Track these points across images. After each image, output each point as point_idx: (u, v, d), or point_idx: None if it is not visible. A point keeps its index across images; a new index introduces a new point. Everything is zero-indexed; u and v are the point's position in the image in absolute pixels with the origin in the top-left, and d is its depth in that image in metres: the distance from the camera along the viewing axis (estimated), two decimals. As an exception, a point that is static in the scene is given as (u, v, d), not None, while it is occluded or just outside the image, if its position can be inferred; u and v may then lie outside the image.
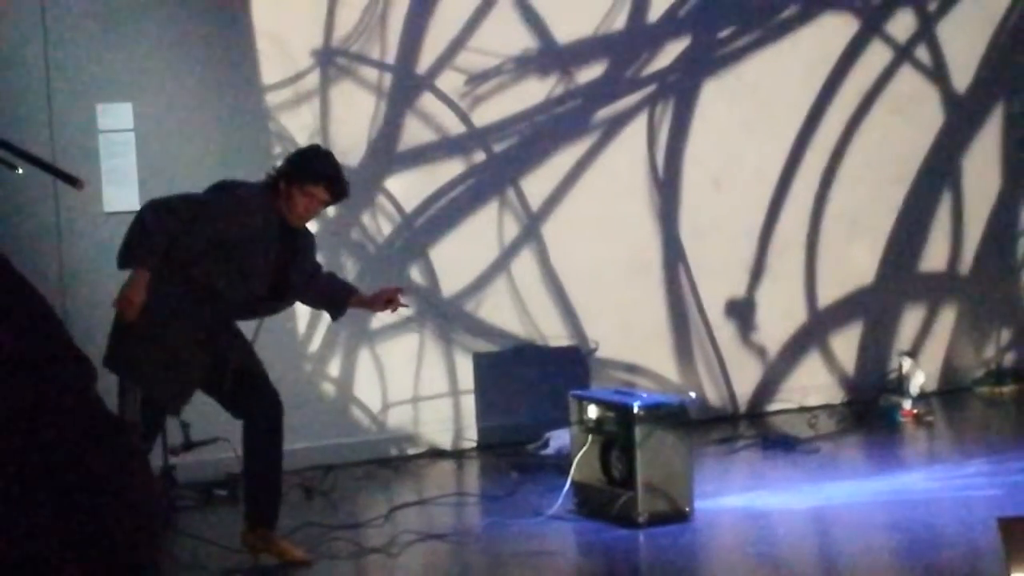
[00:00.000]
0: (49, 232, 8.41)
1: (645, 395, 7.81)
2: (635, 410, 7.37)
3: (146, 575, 1.54)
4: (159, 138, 8.66)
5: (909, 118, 10.56)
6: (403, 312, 9.22)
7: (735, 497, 7.99)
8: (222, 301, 6.69)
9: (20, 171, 4.70)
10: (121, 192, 8.55)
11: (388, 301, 7.14)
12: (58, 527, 1.48)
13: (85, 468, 1.51)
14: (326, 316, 9.04)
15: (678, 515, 7.39)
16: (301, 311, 8.98)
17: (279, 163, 7.04)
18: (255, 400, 6.85)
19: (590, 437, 7.67)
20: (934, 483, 8.23)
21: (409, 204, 9.35)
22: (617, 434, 7.51)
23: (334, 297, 7.07)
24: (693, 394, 8.93)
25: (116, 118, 8.57)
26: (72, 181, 4.39)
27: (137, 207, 8.44)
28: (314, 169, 6.76)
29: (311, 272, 7.03)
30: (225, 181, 6.99)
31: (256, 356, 6.93)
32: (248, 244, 6.64)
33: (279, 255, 6.77)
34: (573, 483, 7.67)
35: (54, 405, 1.55)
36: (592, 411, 7.69)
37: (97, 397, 1.65)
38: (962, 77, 10.74)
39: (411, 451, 9.36)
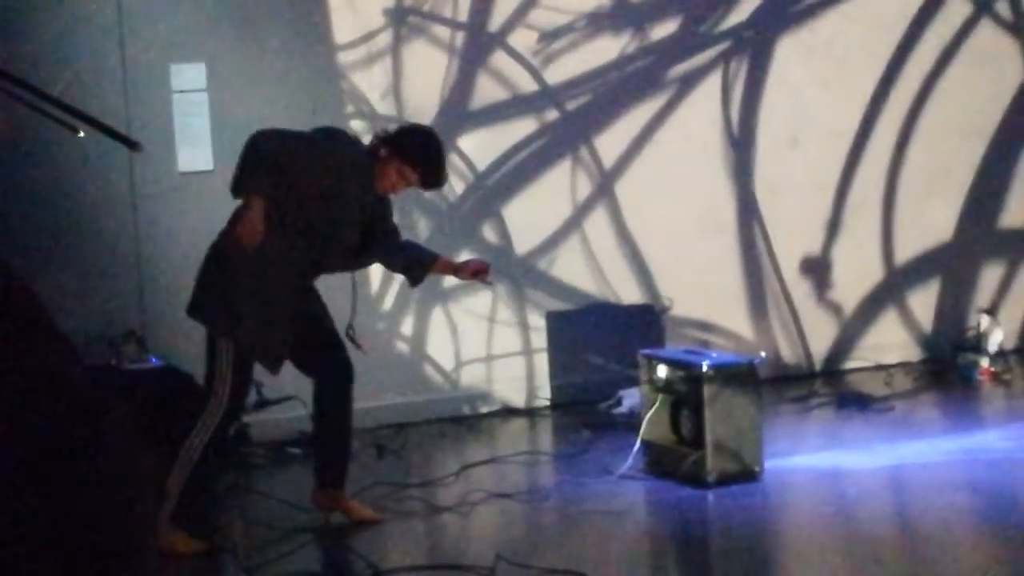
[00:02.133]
0: (124, 194, 8.47)
1: (714, 354, 7.78)
2: (704, 369, 7.35)
3: (133, 561, 1.54)
4: (232, 98, 8.69)
5: (988, 73, 10.43)
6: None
7: (807, 456, 7.95)
8: (317, 250, 6.66)
9: (82, 134, 4.75)
10: (195, 152, 8.59)
11: (476, 272, 7.11)
12: (37, 513, 1.48)
13: (64, 452, 1.51)
14: (399, 276, 9.10)
15: (747, 474, 7.37)
16: (374, 270, 9.01)
17: (391, 128, 7.00)
18: (327, 360, 6.87)
19: (660, 396, 7.66)
20: (1011, 442, 8.15)
21: (482, 163, 9.35)
22: (686, 394, 7.50)
23: (417, 261, 7.05)
24: (763, 353, 8.88)
25: (189, 78, 8.61)
26: (131, 144, 4.41)
27: (211, 167, 8.56)
28: (416, 152, 6.74)
29: (389, 232, 7.03)
30: (332, 129, 6.97)
31: (330, 317, 6.94)
32: (343, 197, 6.63)
33: (366, 212, 6.76)
34: (643, 442, 7.66)
35: (31, 388, 1.54)
36: (662, 370, 7.68)
37: (80, 377, 1.64)
38: (1043, 31, 10.59)
39: (484, 409, 9.39)
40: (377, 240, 6.90)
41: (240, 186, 6.48)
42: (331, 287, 7.09)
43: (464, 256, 9.26)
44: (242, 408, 6.79)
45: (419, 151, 6.75)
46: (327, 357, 6.87)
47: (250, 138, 6.55)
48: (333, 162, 6.62)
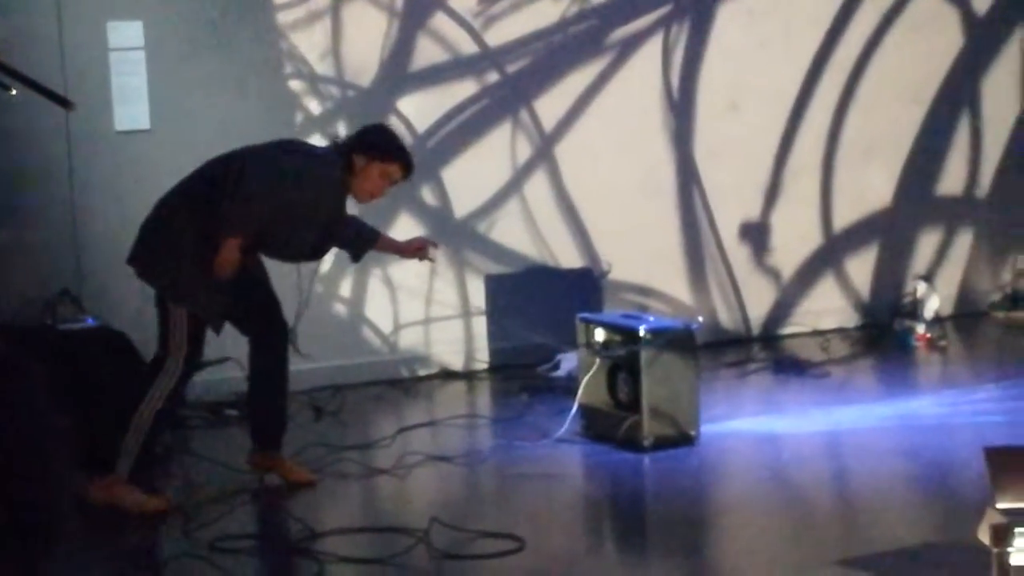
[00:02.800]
0: (60, 153, 8.39)
1: (652, 319, 7.79)
2: (641, 333, 7.36)
3: (49, 511, 1.51)
4: (169, 56, 8.62)
5: (928, 39, 10.47)
6: (414, 233, 9.25)
7: (743, 421, 7.99)
8: (273, 248, 6.73)
9: (14, 92, 4.70)
10: (132, 111, 8.52)
11: (418, 249, 7.13)
12: None
13: None
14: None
15: (684, 439, 7.39)
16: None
17: (344, 135, 6.99)
18: (264, 320, 6.87)
19: (597, 360, 7.67)
20: (946, 408, 8.21)
21: (421, 125, 9.31)
22: (623, 358, 7.51)
23: (359, 238, 7.04)
24: (701, 318, 8.90)
25: (126, 36, 8.53)
26: (64, 103, 4.36)
27: (148, 126, 8.49)
28: (392, 148, 6.74)
29: (342, 222, 7.03)
30: (294, 144, 6.93)
31: (268, 277, 6.94)
32: (315, 216, 6.65)
33: (331, 217, 6.77)
34: (580, 406, 7.67)
35: None
36: (599, 334, 7.69)
37: None
38: (982, -1, 10.65)
39: (422, 372, 9.38)
40: (334, 236, 6.90)
41: (229, 231, 6.48)
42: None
43: (403, 221, 9.26)
44: (198, 367, 6.77)
45: (394, 147, 6.76)
46: (264, 317, 6.87)
47: (244, 188, 6.46)
48: (311, 194, 6.60)
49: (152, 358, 6.70)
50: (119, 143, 8.49)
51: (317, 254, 6.95)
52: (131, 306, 8.31)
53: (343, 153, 6.72)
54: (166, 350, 6.57)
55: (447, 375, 9.39)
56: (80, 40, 8.40)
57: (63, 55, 8.32)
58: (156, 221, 6.65)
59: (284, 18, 8.96)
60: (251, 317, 6.85)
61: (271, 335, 6.88)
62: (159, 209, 6.68)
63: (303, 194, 6.57)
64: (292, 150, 6.77)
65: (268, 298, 6.90)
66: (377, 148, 6.72)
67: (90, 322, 7.91)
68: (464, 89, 9.41)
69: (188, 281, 6.54)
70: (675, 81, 9.92)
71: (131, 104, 8.51)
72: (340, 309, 9.21)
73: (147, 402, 6.50)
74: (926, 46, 10.47)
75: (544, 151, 9.61)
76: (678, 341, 7.46)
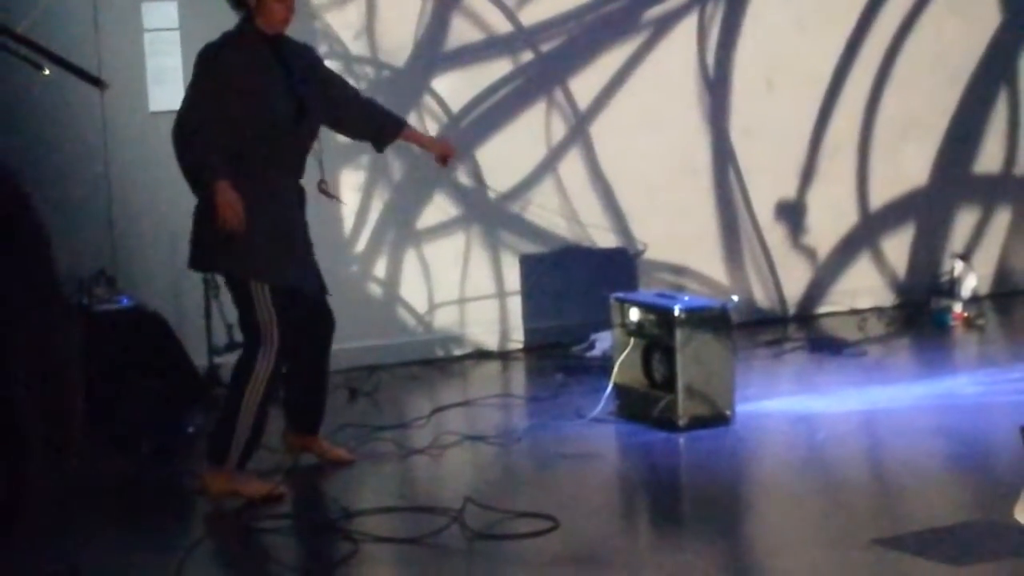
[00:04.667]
0: (95, 134, 8.41)
1: (687, 298, 7.76)
2: (676, 313, 7.34)
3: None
4: (204, 36, 8.55)
5: (965, 17, 10.40)
6: (448, 213, 9.26)
7: (779, 400, 7.96)
8: (275, 143, 6.51)
9: (47, 72, 4.70)
10: (166, 91, 8.51)
11: (442, 152, 7.11)
12: None
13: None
14: (372, 216, 9.07)
15: (719, 418, 7.37)
16: (346, 211, 8.97)
17: None
18: (312, 312, 6.77)
19: (632, 340, 7.65)
20: (983, 388, 8.17)
21: (456, 104, 9.29)
22: (658, 337, 7.49)
23: (380, 126, 6.95)
24: (736, 297, 8.86)
25: (161, 17, 8.54)
26: (97, 82, 4.36)
27: (183, 107, 8.47)
28: None
29: (342, 92, 6.89)
30: (203, 48, 6.70)
31: (318, 266, 6.84)
32: (256, 79, 6.48)
33: (284, 75, 6.58)
34: (615, 386, 7.66)
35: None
36: (634, 314, 7.67)
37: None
38: (1021, -25, 10.56)
39: (457, 352, 9.37)
40: (338, 104, 6.78)
41: (199, 187, 6.40)
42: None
43: (438, 200, 9.25)
44: (293, 342, 6.53)
45: None
46: (311, 308, 6.76)
47: (175, 145, 6.43)
48: (221, 68, 6.47)
49: (243, 347, 6.57)
50: (153, 123, 8.49)
51: (307, 115, 6.67)
52: (166, 286, 8.34)
53: (237, 5, 6.61)
54: (256, 336, 6.42)
55: (482, 355, 9.38)
56: (115, 21, 8.41)
57: (98, 36, 8.33)
58: (201, 217, 6.49)
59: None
60: (299, 304, 6.70)
61: (318, 324, 6.81)
62: (201, 206, 6.50)
63: (218, 80, 6.44)
64: (204, 50, 6.63)
65: (320, 286, 6.82)
66: None
67: (125, 302, 7.93)
68: (499, 68, 9.39)
69: (255, 253, 6.38)
70: (710, 59, 9.87)
71: (165, 84, 8.52)
72: (375, 289, 9.21)
73: (250, 391, 6.37)
74: (963, 23, 10.40)
75: (579, 130, 9.58)
76: (713, 320, 7.44)
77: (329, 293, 6.87)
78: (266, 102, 6.47)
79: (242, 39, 6.58)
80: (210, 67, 6.51)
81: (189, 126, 6.40)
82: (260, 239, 6.38)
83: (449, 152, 7.15)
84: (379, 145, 7.10)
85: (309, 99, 6.64)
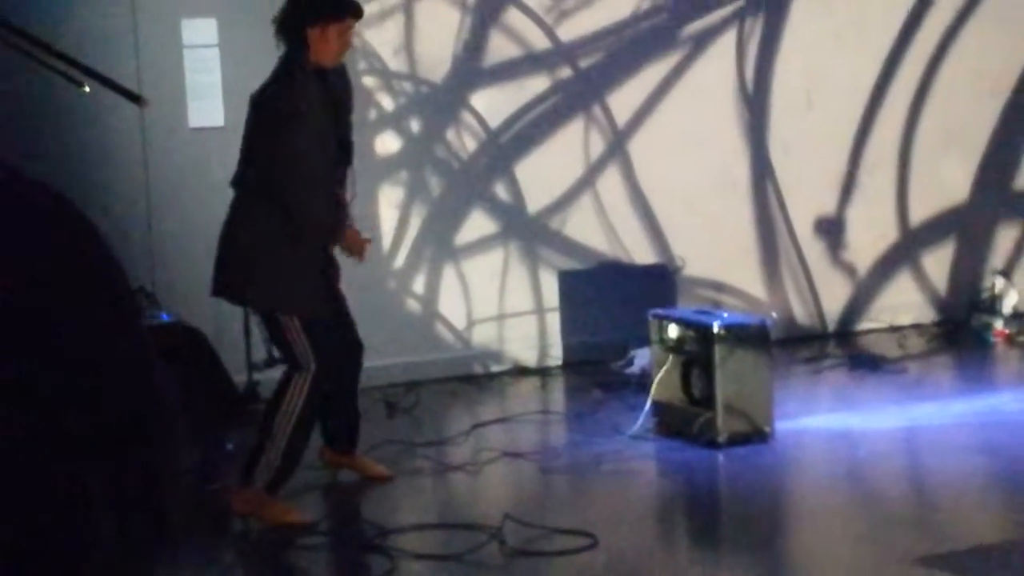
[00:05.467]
0: (135, 149, 8.45)
1: (726, 314, 7.74)
2: (715, 329, 7.32)
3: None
4: (243, 53, 8.63)
5: (1005, 31, 10.35)
6: (487, 229, 9.25)
7: (818, 417, 7.92)
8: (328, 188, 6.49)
9: (87, 89, 4.72)
10: (206, 107, 8.56)
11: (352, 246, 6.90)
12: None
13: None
14: (410, 232, 9.07)
15: (758, 435, 7.34)
16: (385, 228, 8.99)
17: (288, 13, 6.52)
18: (340, 339, 6.74)
19: (671, 356, 7.63)
20: (1024, 404, 8.13)
21: (494, 120, 9.30)
22: (697, 353, 7.47)
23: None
24: (775, 314, 8.84)
25: (201, 33, 8.57)
26: (136, 99, 4.37)
27: (222, 123, 8.51)
28: (338, 2, 6.44)
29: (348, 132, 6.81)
30: (258, 96, 6.52)
31: (344, 299, 6.84)
32: (315, 118, 6.38)
33: (333, 111, 6.53)
34: (654, 402, 7.64)
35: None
36: (672, 330, 7.65)
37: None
38: (1062, -11, 10.51)
39: (495, 368, 9.36)
40: (345, 124, 6.72)
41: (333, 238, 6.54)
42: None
43: (476, 217, 9.25)
44: (332, 361, 6.48)
45: (333, 2, 6.44)
46: (340, 330, 6.74)
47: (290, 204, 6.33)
48: (291, 110, 6.33)
49: (282, 374, 6.53)
50: (193, 139, 8.53)
51: (347, 148, 6.68)
52: (206, 303, 8.35)
53: (290, 35, 6.43)
54: (294, 364, 6.39)
55: (520, 371, 9.37)
56: (155, 37, 8.45)
57: (138, 52, 8.37)
58: (231, 245, 6.49)
59: (357, 14, 8.95)
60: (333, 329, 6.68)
61: (348, 344, 6.80)
62: (229, 233, 6.50)
63: (305, 111, 6.33)
64: (269, 99, 6.45)
65: (345, 316, 6.81)
66: (326, 9, 6.38)
67: (165, 318, 7.96)
68: (537, 84, 9.39)
69: (284, 286, 6.37)
70: (749, 75, 9.86)
71: (205, 100, 8.55)
72: (414, 305, 9.21)
73: (281, 415, 6.32)
74: (1004, 37, 10.35)
75: (617, 146, 9.57)
76: (752, 337, 7.42)
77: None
78: (322, 141, 6.42)
79: (296, 77, 6.43)
80: (286, 117, 6.36)
81: (302, 179, 6.31)
82: (287, 272, 6.36)
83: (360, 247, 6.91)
84: None
85: (349, 134, 6.66)
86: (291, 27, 6.44)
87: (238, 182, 6.52)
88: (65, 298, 1.39)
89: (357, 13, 6.53)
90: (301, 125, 6.33)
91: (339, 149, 6.59)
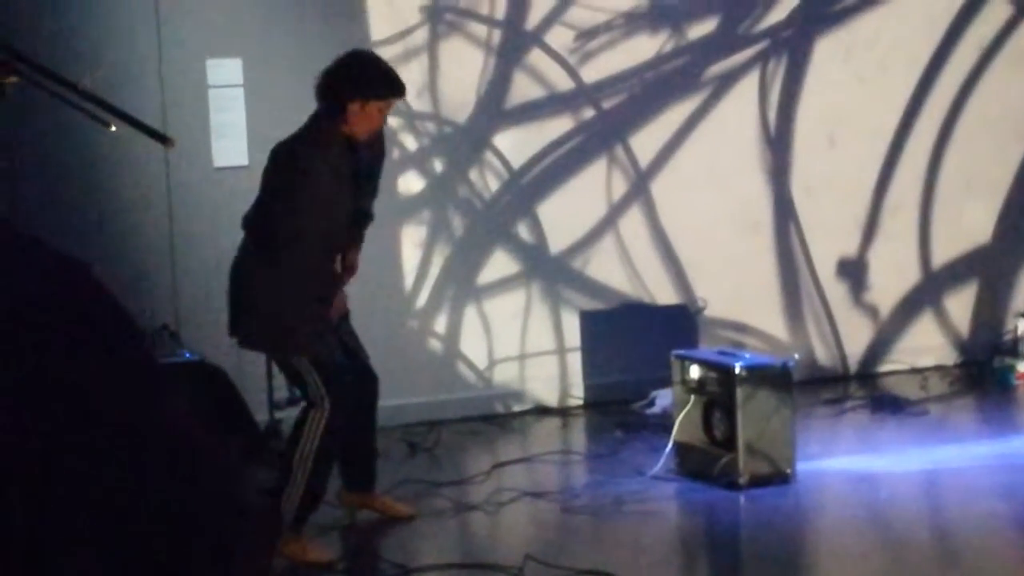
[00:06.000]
0: (159, 188, 8.49)
1: (748, 355, 7.74)
2: (737, 371, 7.32)
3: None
4: (268, 93, 8.69)
5: (1029, 75, 10.35)
6: (509, 269, 9.27)
7: (840, 459, 7.91)
8: (333, 236, 6.53)
9: (114, 129, 4.76)
10: (230, 147, 8.60)
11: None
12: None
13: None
14: (432, 271, 9.09)
15: (779, 477, 7.33)
16: (408, 267, 9.01)
17: (332, 80, 6.53)
18: (352, 368, 6.78)
19: (692, 397, 7.63)
20: (1048, 448, 8.10)
21: (517, 161, 9.33)
22: (719, 395, 7.47)
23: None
24: (797, 355, 8.82)
25: (226, 73, 8.62)
26: (163, 139, 4.40)
27: (246, 162, 8.56)
28: (389, 81, 6.50)
29: (372, 195, 6.84)
30: (279, 146, 6.60)
31: (356, 334, 6.89)
32: (334, 187, 6.41)
33: (354, 182, 6.54)
34: (675, 443, 7.64)
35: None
36: (694, 371, 7.65)
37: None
38: (1085, 33, 10.51)
39: (517, 408, 9.37)
40: (372, 187, 6.74)
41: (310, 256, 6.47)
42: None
43: (498, 256, 9.27)
44: (347, 396, 6.52)
45: (387, 80, 6.50)
46: (354, 369, 6.77)
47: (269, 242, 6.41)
48: (309, 173, 6.38)
49: (299, 412, 6.58)
50: (217, 179, 8.57)
51: (359, 218, 6.73)
52: (228, 341, 8.37)
53: (329, 102, 6.45)
54: (309, 402, 6.45)
55: (542, 411, 9.37)
56: (180, 77, 8.50)
57: (163, 92, 8.42)
58: (238, 288, 6.58)
59: (382, 54, 8.96)
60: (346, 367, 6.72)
61: (364, 383, 6.82)
62: (234, 275, 6.61)
63: (324, 180, 6.36)
64: (287, 152, 6.50)
65: (353, 346, 6.84)
66: (371, 87, 6.43)
67: (188, 356, 7.98)
68: (560, 125, 9.42)
69: (293, 330, 6.43)
70: (772, 116, 9.87)
71: (230, 140, 8.60)
72: (435, 344, 9.23)
73: (300, 452, 6.36)
74: (1027, 81, 10.36)
75: (640, 187, 9.59)
76: (774, 378, 7.42)
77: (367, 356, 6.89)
78: (331, 205, 6.43)
79: (321, 140, 6.46)
80: (299, 173, 6.41)
81: (287, 235, 6.35)
82: (289, 313, 6.40)
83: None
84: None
85: (370, 203, 6.74)
86: (332, 94, 6.47)
87: (246, 224, 6.59)
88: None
89: (401, 92, 6.57)
90: (310, 186, 6.36)
91: (355, 214, 6.62)
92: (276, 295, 6.41)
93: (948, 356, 10.31)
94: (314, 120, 6.54)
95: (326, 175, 6.38)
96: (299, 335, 6.43)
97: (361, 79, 6.46)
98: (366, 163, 6.65)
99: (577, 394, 9.48)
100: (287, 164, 6.43)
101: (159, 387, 1.38)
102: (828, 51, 9.92)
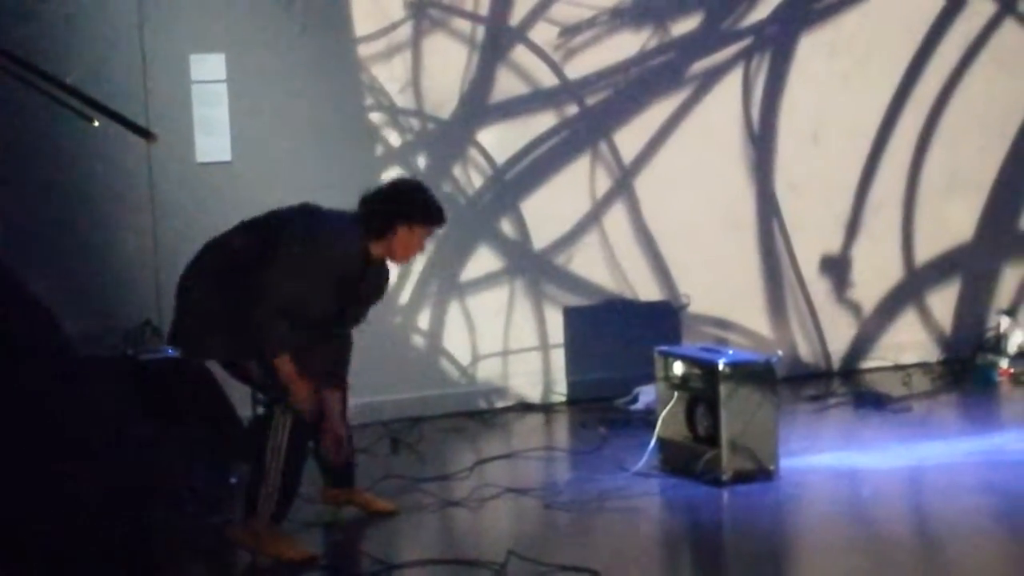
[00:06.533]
0: (142, 184, 8.47)
1: (731, 352, 7.74)
2: (720, 367, 7.32)
3: None
4: (251, 89, 8.69)
5: (1010, 72, 10.37)
6: (492, 265, 9.28)
7: (823, 456, 7.92)
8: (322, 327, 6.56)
9: (96, 123, 4.74)
10: (213, 142, 8.59)
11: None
12: None
13: None
14: (416, 268, 9.07)
15: (762, 473, 7.34)
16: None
17: (383, 200, 6.61)
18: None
19: (676, 394, 7.63)
20: (1030, 444, 8.13)
21: (500, 157, 9.33)
22: (702, 391, 7.47)
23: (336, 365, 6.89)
24: (781, 352, 8.83)
25: (209, 69, 8.60)
26: (146, 134, 4.39)
27: (229, 158, 8.55)
28: (437, 210, 6.65)
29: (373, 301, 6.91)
30: (315, 214, 6.60)
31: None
32: (337, 288, 6.47)
33: (355, 295, 6.64)
34: (658, 439, 7.64)
35: None
36: (678, 368, 7.65)
37: None
38: (1067, 31, 10.53)
39: (500, 404, 9.37)
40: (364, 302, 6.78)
41: (268, 356, 6.36)
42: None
43: (482, 253, 9.27)
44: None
45: (435, 209, 6.65)
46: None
47: (251, 313, 6.28)
48: (329, 257, 6.42)
49: (265, 410, 6.60)
50: (200, 174, 8.56)
51: (343, 322, 6.75)
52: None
53: (378, 219, 6.55)
54: (272, 400, 6.46)
55: (525, 407, 9.37)
56: (163, 72, 8.48)
57: (146, 87, 8.40)
58: (187, 304, 6.55)
59: (365, 51, 9.00)
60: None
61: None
62: (186, 292, 6.57)
63: (329, 276, 6.42)
64: (314, 232, 6.48)
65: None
66: (421, 214, 6.59)
67: (170, 352, 7.95)
68: (544, 121, 9.41)
69: (241, 334, 6.38)
70: (755, 114, 9.88)
71: (213, 136, 8.58)
72: (418, 341, 9.22)
73: (271, 449, 6.33)
74: (1010, 78, 10.37)
75: (623, 183, 9.59)
76: (757, 375, 7.42)
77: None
78: (319, 304, 6.44)
79: (358, 252, 6.53)
80: (320, 258, 6.42)
81: (275, 311, 6.29)
82: (242, 320, 6.34)
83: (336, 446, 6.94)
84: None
85: (360, 315, 6.77)
86: (382, 213, 6.55)
87: (222, 249, 6.54)
88: None
89: (444, 222, 6.75)
90: (318, 272, 6.38)
91: (339, 316, 6.64)
92: (226, 305, 6.36)
93: (931, 353, 10.33)
94: (351, 224, 6.54)
95: (335, 276, 6.43)
96: (249, 338, 6.38)
97: (414, 205, 6.61)
98: (370, 285, 6.70)
99: (560, 390, 9.48)
100: (315, 242, 6.45)
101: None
102: (812, 48, 9.93)
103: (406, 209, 6.57)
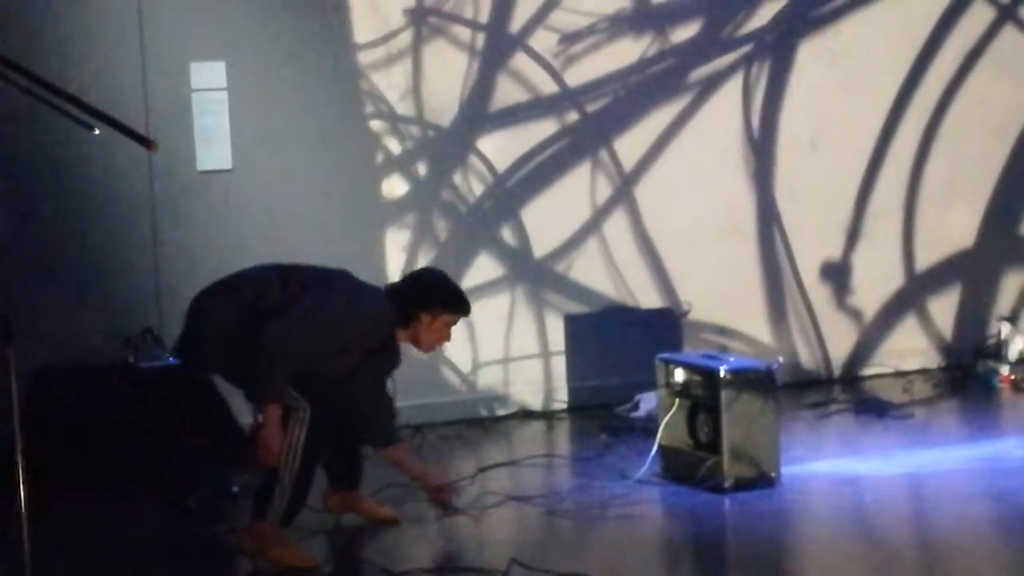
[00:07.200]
0: (142, 192, 8.47)
1: (732, 359, 7.74)
2: (721, 374, 7.32)
3: None
4: (252, 96, 8.69)
5: (1011, 77, 10.36)
6: (493, 273, 9.28)
7: (824, 463, 7.91)
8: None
9: (97, 132, 4.75)
10: (214, 150, 8.59)
11: (438, 491, 7.19)
12: None
13: None
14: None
15: (764, 480, 7.34)
16: (392, 271, 8.99)
17: (407, 287, 6.83)
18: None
19: (677, 401, 7.63)
20: (1031, 451, 8.12)
21: (501, 164, 9.32)
22: (703, 398, 7.47)
23: (373, 433, 7.13)
24: (782, 359, 8.83)
25: (209, 76, 8.61)
26: (147, 143, 4.39)
27: (230, 166, 8.56)
28: (462, 299, 6.85)
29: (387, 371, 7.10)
30: (360, 287, 6.74)
31: None
32: (351, 360, 6.65)
33: (366, 368, 6.80)
34: (660, 447, 7.63)
35: None
36: (679, 375, 7.65)
37: None
38: (1067, 36, 10.53)
39: (501, 412, 9.36)
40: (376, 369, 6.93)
41: (261, 397, 6.36)
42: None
43: (483, 260, 9.27)
44: (326, 400, 6.55)
45: (460, 298, 6.86)
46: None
47: (266, 348, 6.26)
48: (357, 330, 6.58)
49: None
50: (201, 182, 8.56)
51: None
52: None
53: (403, 307, 6.66)
54: (290, 408, 6.43)
55: (526, 415, 9.37)
56: (163, 81, 8.49)
57: (146, 95, 8.41)
58: (201, 324, 6.59)
59: (365, 58, 9.01)
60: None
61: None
62: (205, 312, 6.61)
63: (358, 347, 6.62)
64: (356, 305, 6.61)
65: None
66: (447, 305, 6.77)
67: (171, 360, 7.95)
68: (544, 129, 9.41)
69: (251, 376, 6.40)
70: (755, 120, 9.87)
71: (213, 144, 8.58)
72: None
73: (285, 452, 6.32)
74: (1011, 84, 10.36)
75: (624, 190, 9.59)
76: (758, 382, 7.41)
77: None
78: (335, 363, 6.58)
79: (389, 332, 6.72)
80: (353, 322, 6.57)
81: (290, 356, 6.32)
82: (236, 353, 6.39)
83: (443, 492, 7.17)
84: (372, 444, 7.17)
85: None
86: (408, 300, 6.72)
87: (258, 279, 6.61)
88: None
89: (469, 311, 6.93)
90: (347, 336, 6.55)
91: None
92: (244, 339, 6.37)
93: (932, 359, 10.32)
94: (383, 309, 6.67)
95: (363, 348, 6.65)
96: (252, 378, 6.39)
97: (440, 294, 6.81)
98: (385, 362, 6.95)
99: (561, 398, 9.47)
100: (355, 312, 6.59)
101: None
102: (812, 55, 9.93)
103: (427, 296, 6.75)
